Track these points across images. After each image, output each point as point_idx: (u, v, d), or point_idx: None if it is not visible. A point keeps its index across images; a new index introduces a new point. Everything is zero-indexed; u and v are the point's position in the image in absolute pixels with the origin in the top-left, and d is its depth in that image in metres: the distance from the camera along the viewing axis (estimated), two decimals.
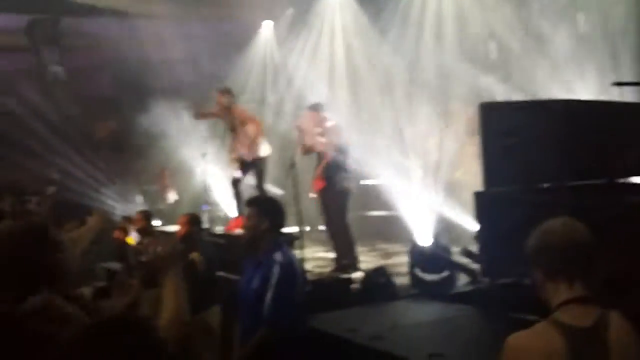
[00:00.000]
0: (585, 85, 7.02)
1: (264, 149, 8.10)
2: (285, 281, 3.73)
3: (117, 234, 7.84)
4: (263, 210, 3.92)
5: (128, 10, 11.64)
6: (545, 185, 4.69)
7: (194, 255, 6.15)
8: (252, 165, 8.15)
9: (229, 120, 8.20)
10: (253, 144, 7.98)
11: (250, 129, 8.03)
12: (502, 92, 7.59)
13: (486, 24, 8.66)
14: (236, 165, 8.26)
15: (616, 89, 5.97)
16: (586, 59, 7.22)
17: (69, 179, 10.53)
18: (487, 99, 6.97)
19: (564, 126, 4.48)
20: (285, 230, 4.22)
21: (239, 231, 7.71)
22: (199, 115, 8.71)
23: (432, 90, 8.65)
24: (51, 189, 9.38)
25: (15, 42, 12.20)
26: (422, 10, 9.51)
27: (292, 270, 3.83)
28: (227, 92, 8.20)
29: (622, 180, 4.78)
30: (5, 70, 11.42)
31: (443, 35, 9.06)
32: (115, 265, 7.28)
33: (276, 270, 3.72)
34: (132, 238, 7.59)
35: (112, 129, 11.75)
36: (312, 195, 7.58)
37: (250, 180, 8.36)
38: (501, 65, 8.38)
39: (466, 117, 7.71)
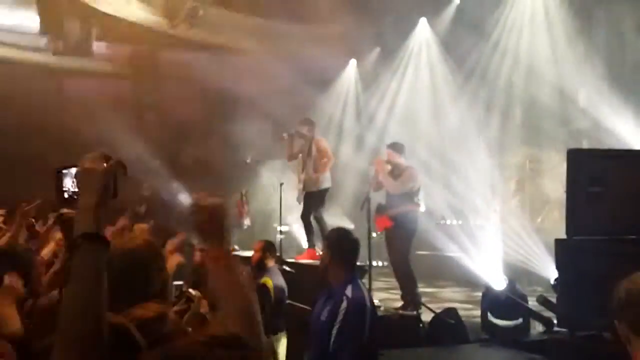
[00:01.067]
0: None
1: (326, 181, 8.12)
2: (353, 316, 3.67)
3: (197, 257, 8.05)
4: (332, 244, 3.94)
5: (223, 45, 12.30)
6: (631, 236, 4.52)
7: (266, 280, 6.27)
8: (310, 195, 8.18)
9: (306, 151, 8.29)
10: (317, 175, 8.01)
11: (322, 161, 8.07)
12: (589, 141, 7.39)
13: (577, 72, 8.50)
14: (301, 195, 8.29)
15: None
16: None
17: (157, 200, 11.02)
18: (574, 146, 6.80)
19: None
20: (357, 264, 4.23)
21: (309, 261, 7.80)
22: (290, 157, 8.76)
23: (517, 135, 8.53)
24: (143, 208, 9.81)
25: (117, 70, 13.25)
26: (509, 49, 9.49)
27: (361, 305, 3.75)
28: (309, 122, 8.32)
29: None
30: (103, 95, 12.31)
31: (535, 74, 8.93)
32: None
33: (345, 304, 3.68)
34: None
35: (197, 155, 12.26)
36: (378, 232, 7.57)
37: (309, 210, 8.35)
38: (590, 114, 8.15)
39: (549, 164, 7.54)
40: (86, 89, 12.61)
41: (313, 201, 8.13)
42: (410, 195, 7.01)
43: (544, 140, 8.53)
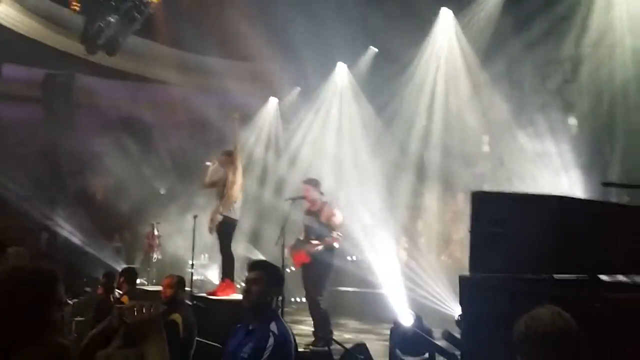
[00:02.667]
0: (572, 183, 7.26)
1: (235, 213, 8.06)
2: (280, 353, 3.52)
3: (100, 290, 7.72)
4: (271, 277, 3.76)
5: (142, 75, 12.10)
6: (528, 275, 4.76)
7: (176, 317, 6.06)
8: (221, 225, 8.05)
9: (222, 180, 8.15)
10: (227, 205, 7.92)
11: (234, 191, 7.97)
12: (492, 183, 7.81)
13: (482, 118, 9.06)
14: (212, 226, 8.14)
15: (601, 188, 6.18)
16: (575, 158, 7.51)
17: (59, 230, 10.52)
18: (476, 188, 7.17)
19: (553, 220, 4.61)
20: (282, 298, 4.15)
21: (222, 297, 7.64)
22: (207, 185, 8.60)
23: (424, 177, 8.89)
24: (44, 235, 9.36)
25: (28, 94, 12.68)
26: (429, 106, 9.96)
27: (288, 342, 3.61)
28: (228, 153, 8.23)
29: (604, 277, 4.87)
30: (16, 119, 11.73)
31: (437, 128, 9.42)
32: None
33: (271, 341, 3.52)
34: (116, 295, 7.48)
35: (107, 186, 11.86)
36: (293, 267, 7.57)
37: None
38: (493, 158, 8.67)
39: (456, 205, 7.88)
40: None
41: (223, 232, 8.02)
42: (328, 230, 7.09)
43: (452, 182, 8.94)
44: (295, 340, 3.73)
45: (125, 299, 7.36)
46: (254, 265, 3.87)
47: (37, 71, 12.81)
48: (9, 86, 12.72)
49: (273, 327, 3.58)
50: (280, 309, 6.66)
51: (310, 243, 7.13)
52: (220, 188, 8.08)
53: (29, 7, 11.76)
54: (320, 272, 7.13)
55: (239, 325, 3.83)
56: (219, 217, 7.94)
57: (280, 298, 3.86)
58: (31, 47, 11.77)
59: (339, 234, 7.14)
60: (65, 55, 12.10)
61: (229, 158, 8.08)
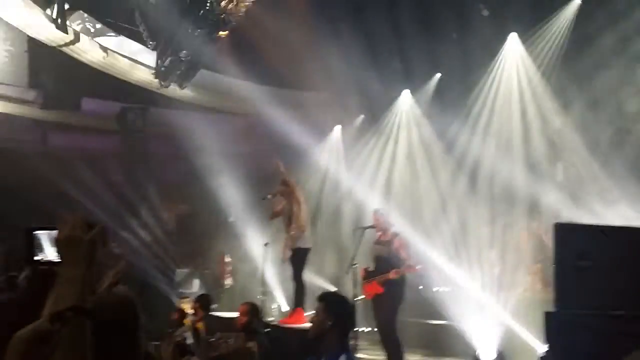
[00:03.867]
0: None
1: (306, 242, 8.16)
2: None
3: (175, 315, 7.97)
4: (330, 307, 3.76)
5: (211, 106, 12.55)
6: (617, 312, 4.62)
7: (252, 345, 6.19)
8: (294, 254, 8.11)
9: (287, 210, 8.26)
10: (297, 234, 8.01)
11: (301, 220, 8.06)
12: (566, 214, 7.62)
13: (553, 145, 8.87)
14: (285, 256, 8.27)
15: None
16: None
17: (135, 255, 10.92)
18: (551, 218, 7.01)
19: None
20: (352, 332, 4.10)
21: (293, 325, 7.73)
22: (272, 216, 8.76)
23: (496, 204, 8.76)
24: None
25: (107, 126, 13.36)
26: (488, 127, 9.85)
27: None
28: (289, 183, 8.33)
29: None
30: (96, 150, 12.38)
31: (510, 151, 9.27)
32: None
33: None
34: (190, 320, 7.69)
35: (182, 213, 12.27)
36: (364, 297, 7.58)
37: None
38: (567, 186, 8.45)
39: (530, 234, 7.73)
40: (72, 144, 12.71)
41: (295, 261, 8.13)
42: (399, 260, 7.09)
43: (518, 214, 8.74)
44: None
45: (200, 325, 7.57)
46: (318, 297, 3.95)
47: (113, 104, 13.47)
48: (87, 119, 13.45)
49: (342, 358, 3.58)
50: (353, 342, 6.70)
51: (384, 273, 7.14)
52: (287, 218, 8.23)
53: (105, 43, 12.43)
54: (393, 303, 7.11)
55: (311, 357, 3.83)
56: (291, 246, 8.09)
57: (350, 330, 3.85)
58: (108, 81, 12.43)
59: (418, 264, 7.11)
60: (139, 89, 12.71)
61: (287, 188, 8.23)
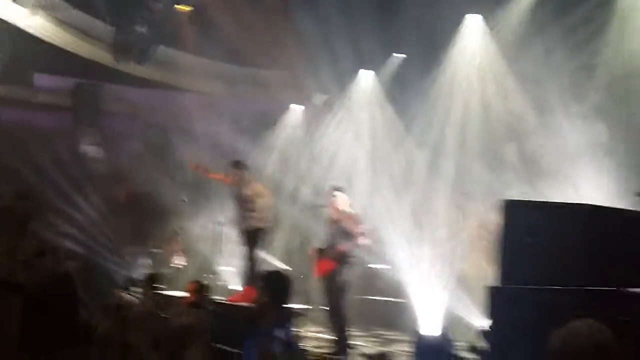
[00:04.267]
0: (603, 193, 7.07)
1: (262, 221, 8.07)
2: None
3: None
4: (266, 285, 3.95)
5: (169, 84, 12.26)
6: (560, 287, 4.63)
7: (192, 321, 6.12)
8: (252, 234, 8.08)
9: (241, 191, 8.17)
10: (255, 215, 7.95)
11: (262, 200, 8.01)
12: (517, 191, 7.66)
13: (510, 126, 8.90)
14: (243, 236, 8.18)
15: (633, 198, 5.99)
16: (605, 167, 7.33)
17: (82, 233, 10.67)
18: (502, 196, 7.01)
19: (587, 231, 4.49)
20: (289, 306, 4.16)
21: (245, 303, 7.62)
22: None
23: (449, 184, 8.77)
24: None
25: (58, 102, 12.92)
26: (448, 107, 9.84)
27: (290, 349, 3.78)
28: (242, 165, 8.29)
29: (631, 290, 4.72)
30: (46, 127, 11.97)
31: (466, 134, 9.28)
32: None
33: (275, 348, 3.67)
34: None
35: (134, 192, 12.01)
36: (316, 275, 7.55)
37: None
38: (519, 167, 8.49)
39: (479, 213, 7.76)
40: (23, 120, 12.27)
41: (250, 240, 8.03)
42: (351, 235, 7.05)
43: (472, 189, 8.79)
44: (301, 348, 3.81)
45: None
46: (263, 277, 4.18)
47: (67, 80, 13.03)
48: (40, 95, 12.99)
49: (278, 332, 3.74)
50: (300, 317, 6.65)
51: (337, 248, 7.09)
52: (241, 198, 8.13)
53: (60, 18, 12.00)
54: (344, 280, 7.10)
55: (253, 332, 3.97)
56: (247, 226, 7.99)
57: (285, 304, 3.98)
58: (62, 57, 12.01)
59: (364, 233, 7.08)
60: (95, 64, 12.31)
61: (245, 169, 8.15)
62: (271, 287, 3.93)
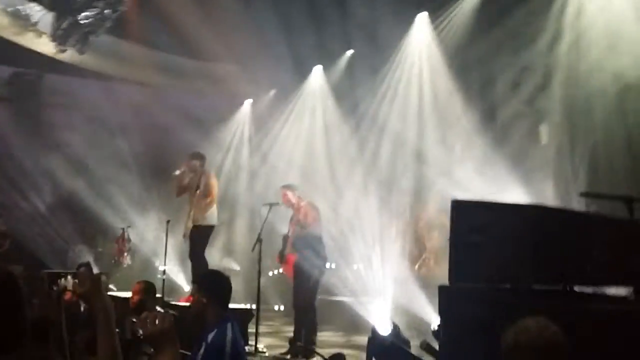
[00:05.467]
0: (546, 194, 7.30)
1: (211, 219, 7.90)
2: None
3: (68, 295, 7.48)
4: (203, 286, 3.89)
5: (113, 75, 11.85)
6: (507, 285, 4.75)
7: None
8: (195, 232, 7.85)
9: (195, 185, 7.99)
10: (204, 212, 7.80)
11: (208, 196, 7.83)
12: (465, 192, 7.81)
13: (449, 127, 9.07)
14: (186, 232, 8.00)
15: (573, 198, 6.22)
16: (548, 169, 7.56)
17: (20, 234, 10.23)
18: (450, 197, 7.13)
19: (531, 230, 4.61)
20: (232, 307, 4.10)
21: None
22: (180, 192, 8.34)
23: (400, 183, 8.87)
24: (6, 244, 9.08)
25: None
26: (392, 104, 9.98)
27: (218, 352, 3.62)
28: (200, 156, 8.10)
29: (579, 288, 4.90)
30: None
31: (404, 137, 9.41)
32: None
33: (202, 351, 3.59)
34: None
35: (75, 188, 11.58)
36: (281, 270, 7.48)
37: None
38: (465, 166, 8.66)
39: (425, 212, 7.88)
40: None
41: (197, 238, 7.85)
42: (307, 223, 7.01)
43: (423, 189, 8.92)
44: (239, 351, 3.70)
45: None
46: (192, 280, 3.99)
47: (4, 69, 12.41)
48: None
49: (210, 336, 3.65)
50: (253, 317, 6.58)
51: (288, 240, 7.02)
52: (193, 193, 7.93)
53: None
54: (313, 278, 6.99)
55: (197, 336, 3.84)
56: (193, 223, 7.80)
57: (227, 303, 3.90)
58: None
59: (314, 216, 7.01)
60: (33, 53, 11.77)
61: (201, 162, 7.94)
62: (207, 287, 3.86)
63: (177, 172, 8.05)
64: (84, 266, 7.43)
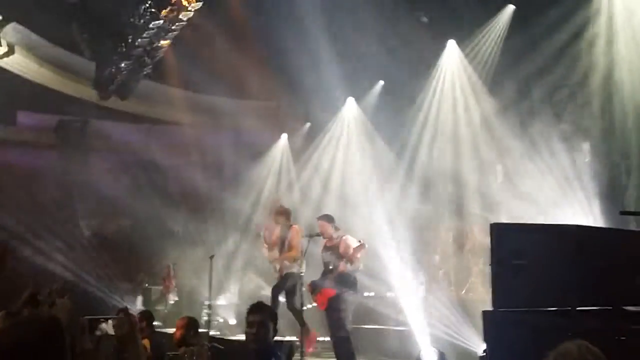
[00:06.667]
0: (591, 211, 7.18)
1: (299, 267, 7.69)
2: None
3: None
4: (272, 317, 3.87)
5: (154, 117, 12.26)
6: (553, 308, 4.69)
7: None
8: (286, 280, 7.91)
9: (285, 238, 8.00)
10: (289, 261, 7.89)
11: (295, 250, 7.87)
12: (508, 215, 7.73)
13: (495, 148, 9.01)
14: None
15: (619, 217, 6.10)
16: (591, 187, 7.44)
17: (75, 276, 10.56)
18: (493, 220, 7.10)
19: (573, 251, 4.56)
20: (277, 339, 4.15)
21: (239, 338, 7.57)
22: (271, 247, 8.37)
23: (441, 210, 8.82)
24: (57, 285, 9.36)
25: (44, 140, 12.86)
26: (434, 133, 9.98)
27: None
28: (287, 212, 8.23)
29: (626, 308, 4.78)
30: (32, 166, 11.91)
31: (458, 156, 9.36)
32: None
33: None
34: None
35: (124, 227, 11.91)
36: (315, 304, 7.49)
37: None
38: (507, 188, 8.58)
39: (472, 237, 7.80)
40: (8, 159, 12.19)
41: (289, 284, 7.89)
42: (348, 257, 7.03)
43: (465, 213, 8.85)
44: None
45: (146, 342, 7.33)
46: (255, 309, 3.96)
47: (51, 117, 13.00)
48: (23, 133, 12.93)
49: None
50: (298, 349, 6.61)
51: (332, 274, 7.05)
52: (280, 249, 8.04)
53: (41, 55, 12.03)
54: (345, 307, 7.01)
55: None
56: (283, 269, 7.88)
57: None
58: (44, 94, 12.00)
59: (359, 251, 7.03)
60: (78, 101, 12.31)
61: (286, 216, 8.02)
62: (268, 319, 3.86)
63: (263, 233, 8.25)
64: (122, 311, 7.63)
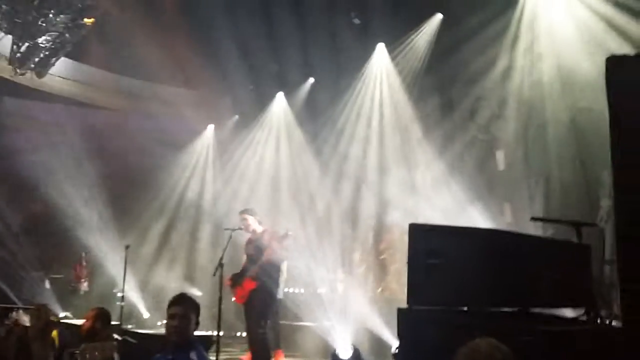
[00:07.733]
0: (502, 218, 7.50)
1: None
2: None
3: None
4: (194, 309, 3.84)
5: (71, 97, 11.70)
6: (464, 308, 4.86)
7: None
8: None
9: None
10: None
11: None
12: (425, 217, 7.94)
13: (414, 151, 9.26)
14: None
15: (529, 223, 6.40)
16: (503, 194, 7.77)
17: None
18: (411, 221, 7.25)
19: (485, 254, 4.75)
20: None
21: (151, 332, 7.37)
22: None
23: (358, 207, 8.96)
24: None
25: None
26: (352, 133, 10.14)
27: None
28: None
29: (533, 310, 5.05)
30: None
31: (365, 162, 9.56)
32: None
33: None
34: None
35: (35, 213, 11.30)
36: (236, 301, 7.42)
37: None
38: (424, 191, 8.82)
39: (390, 236, 7.97)
40: None
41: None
42: (270, 248, 6.99)
43: (385, 213, 9.02)
44: None
45: (54, 334, 7.01)
46: (178, 300, 3.92)
47: None
48: None
49: (193, 355, 3.69)
50: (214, 344, 6.52)
51: (255, 266, 7.00)
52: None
53: None
54: (264, 302, 6.98)
55: (158, 355, 3.84)
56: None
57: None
58: None
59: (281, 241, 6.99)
60: None
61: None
62: (190, 311, 3.82)
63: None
64: (43, 306, 7.27)
